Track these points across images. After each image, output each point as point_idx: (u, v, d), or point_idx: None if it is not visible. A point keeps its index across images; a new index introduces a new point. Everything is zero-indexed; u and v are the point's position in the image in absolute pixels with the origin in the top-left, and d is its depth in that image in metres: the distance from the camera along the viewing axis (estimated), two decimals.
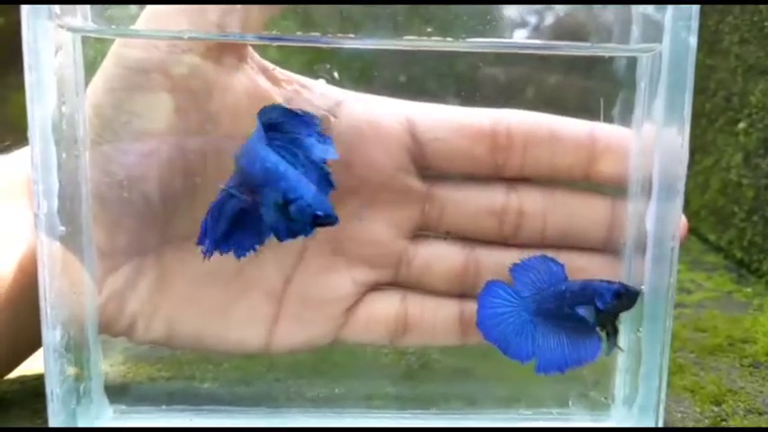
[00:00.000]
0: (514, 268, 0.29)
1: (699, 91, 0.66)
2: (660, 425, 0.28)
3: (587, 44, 0.27)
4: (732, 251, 0.58)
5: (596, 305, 0.27)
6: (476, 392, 0.32)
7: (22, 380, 0.34)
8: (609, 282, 0.27)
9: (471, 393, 0.32)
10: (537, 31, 0.29)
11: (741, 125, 0.57)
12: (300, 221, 0.25)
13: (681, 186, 0.26)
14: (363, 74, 0.30)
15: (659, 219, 0.27)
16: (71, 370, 0.28)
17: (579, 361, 0.28)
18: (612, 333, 0.28)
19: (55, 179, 0.26)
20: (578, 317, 0.27)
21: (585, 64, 0.29)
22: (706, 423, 0.33)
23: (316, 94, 0.29)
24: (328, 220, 0.25)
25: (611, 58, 0.28)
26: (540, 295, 0.28)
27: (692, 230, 0.64)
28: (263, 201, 0.26)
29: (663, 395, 0.28)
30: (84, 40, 0.27)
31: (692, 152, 0.65)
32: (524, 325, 0.28)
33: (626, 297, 0.27)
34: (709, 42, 0.63)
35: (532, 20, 0.29)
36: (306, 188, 0.25)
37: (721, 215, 0.60)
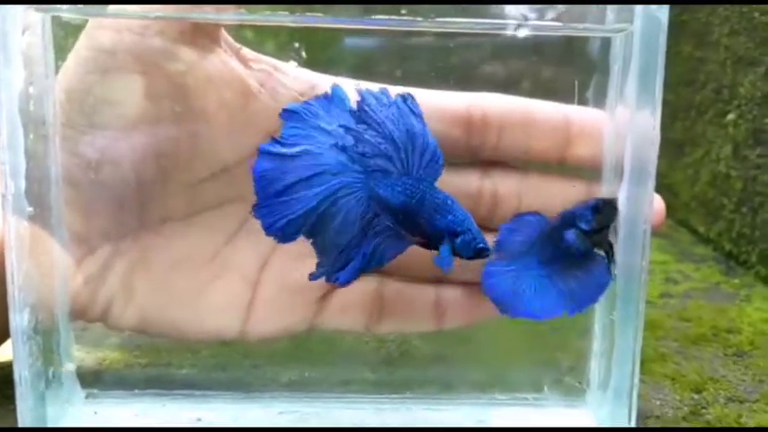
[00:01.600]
0: (498, 243, 0.28)
1: (688, 83, 0.66)
2: (634, 410, 0.28)
3: (559, 24, 0.26)
4: (721, 243, 0.58)
5: (582, 229, 0.27)
6: (452, 378, 0.31)
7: None
8: (583, 202, 0.27)
9: (447, 378, 0.32)
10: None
11: (730, 117, 0.57)
12: (462, 254, 0.27)
13: (653, 169, 0.26)
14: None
15: (631, 201, 0.26)
16: (68, 366, 0.28)
17: (601, 287, 0.27)
18: (610, 249, 0.27)
19: (22, 160, 0.25)
20: (575, 250, 0.27)
21: (560, 47, 0.29)
22: (685, 411, 0.33)
23: (289, 76, 0.29)
24: (486, 253, 0.27)
25: (586, 41, 0.28)
26: (534, 248, 0.28)
27: (682, 222, 0.64)
28: (432, 233, 0.27)
29: (636, 379, 0.27)
30: (56, 21, 0.27)
31: (682, 144, 0.65)
32: (538, 282, 0.28)
33: (607, 208, 0.27)
34: (698, 34, 0.63)
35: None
36: (471, 223, 0.27)
37: (710, 207, 0.60)
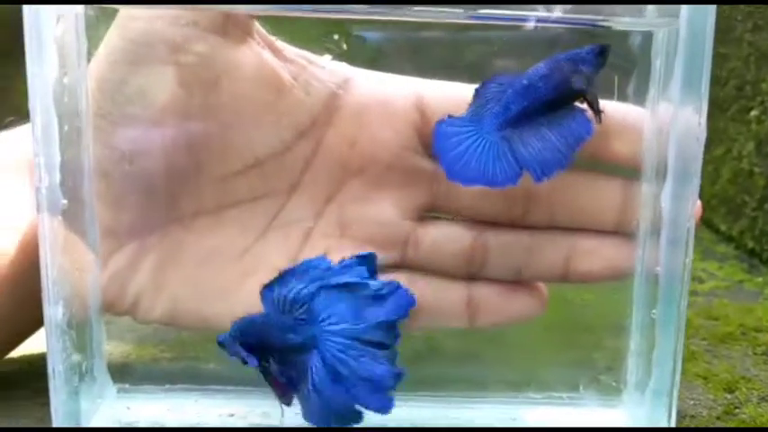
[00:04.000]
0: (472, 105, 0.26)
1: (710, 79, 0.66)
2: (674, 411, 0.27)
3: (600, 17, 0.26)
4: (743, 241, 0.57)
5: (583, 73, 0.25)
6: (484, 376, 0.31)
7: (25, 359, 0.34)
8: (582, 48, 0.26)
9: (479, 377, 0.31)
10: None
11: (753, 113, 0.57)
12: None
13: (698, 166, 0.26)
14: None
15: (675, 199, 0.26)
16: (75, 357, 0.28)
17: (577, 142, 0.26)
18: (594, 99, 0.26)
19: (57, 152, 0.25)
20: (553, 102, 0.25)
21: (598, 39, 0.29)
22: (719, 410, 0.32)
23: (323, 69, 0.29)
24: None
25: (626, 35, 0.28)
26: (499, 106, 0.26)
27: (704, 220, 0.64)
28: None
29: (677, 379, 0.27)
30: (87, 9, 0.26)
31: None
32: (496, 147, 0.26)
33: (605, 53, 0.26)
34: (721, 30, 0.62)
35: None
36: None
37: (732, 205, 0.59)
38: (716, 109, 0.62)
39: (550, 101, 0.26)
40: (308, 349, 0.27)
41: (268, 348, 0.27)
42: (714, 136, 0.63)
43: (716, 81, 0.62)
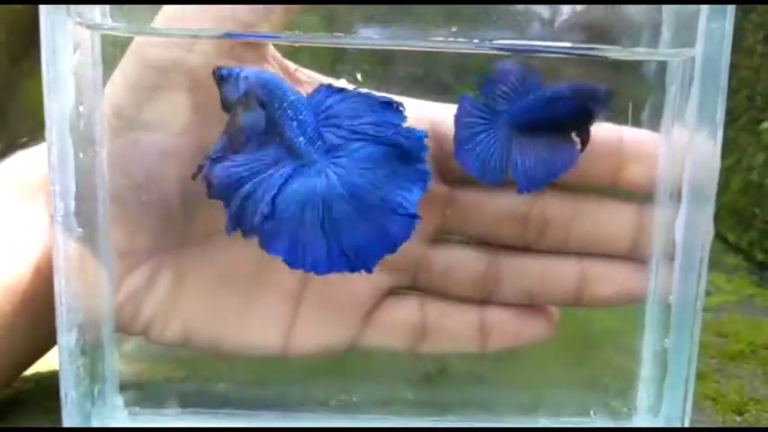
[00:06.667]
0: (483, 79, 0.26)
1: None
2: None
3: (618, 47, 0.26)
4: (753, 253, 0.57)
5: (590, 107, 0.26)
6: (493, 399, 0.31)
7: (36, 378, 0.34)
8: (597, 85, 0.26)
9: (489, 400, 0.31)
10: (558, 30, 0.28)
11: (764, 125, 0.56)
12: None
13: (712, 193, 0.26)
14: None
15: (689, 226, 0.26)
16: (88, 382, 0.28)
17: (557, 172, 0.26)
18: (587, 136, 0.26)
19: (72, 180, 0.25)
20: (555, 125, 0.26)
21: (613, 66, 0.29)
22: None
23: None
24: None
25: (641, 61, 0.27)
26: (518, 106, 0.26)
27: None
28: None
29: (688, 406, 0.27)
30: (103, 38, 0.26)
31: None
32: (501, 145, 0.26)
33: (612, 97, 0.26)
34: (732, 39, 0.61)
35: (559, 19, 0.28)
36: None
37: (742, 216, 0.59)
38: (726, 119, 0.62)
39: (560, 123, 0.26)
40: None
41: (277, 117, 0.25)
42: (724, 146, 0.62)
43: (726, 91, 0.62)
